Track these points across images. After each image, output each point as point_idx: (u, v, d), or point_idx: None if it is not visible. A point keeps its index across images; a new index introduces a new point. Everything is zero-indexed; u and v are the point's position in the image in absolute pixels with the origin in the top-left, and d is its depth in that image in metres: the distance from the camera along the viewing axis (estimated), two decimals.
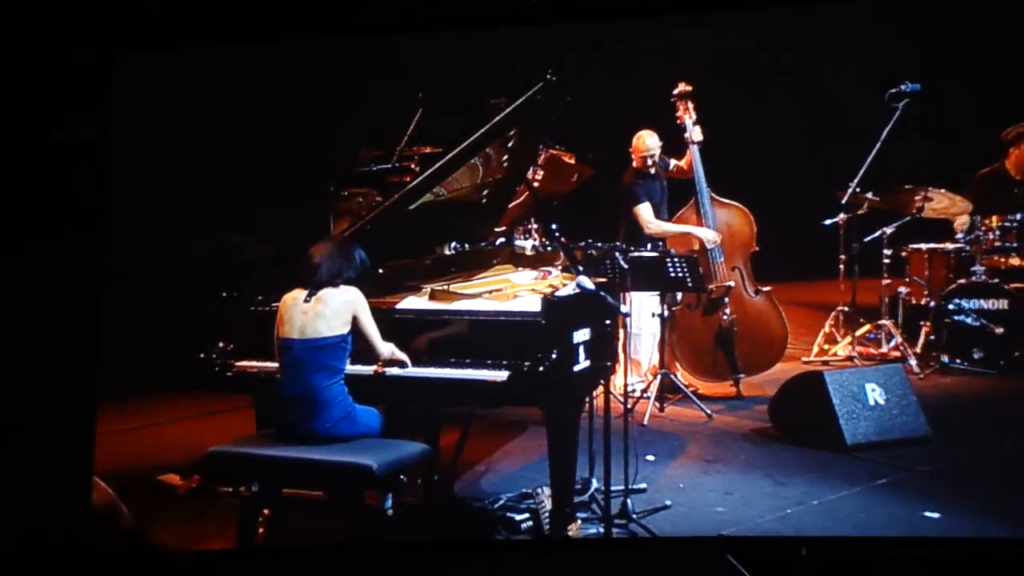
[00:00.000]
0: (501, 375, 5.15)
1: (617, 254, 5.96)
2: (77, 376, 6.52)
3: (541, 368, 5.10)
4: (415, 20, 7.18)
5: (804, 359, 8.76)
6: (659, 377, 7.73)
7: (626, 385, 6.39)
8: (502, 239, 6.94)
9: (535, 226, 8.38)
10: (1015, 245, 8.41)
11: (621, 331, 8.03)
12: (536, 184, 7.80)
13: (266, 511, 5.65)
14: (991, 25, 9.55)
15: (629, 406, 7.62)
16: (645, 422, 7.46)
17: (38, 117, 6.81)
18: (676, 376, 7.91)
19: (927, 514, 5.77)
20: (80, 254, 6.72)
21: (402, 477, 5.05)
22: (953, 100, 8.97)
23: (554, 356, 5.13)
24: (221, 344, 5.62)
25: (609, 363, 5.76)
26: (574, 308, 5.35)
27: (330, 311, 5.13)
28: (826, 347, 8.84)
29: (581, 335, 5.32)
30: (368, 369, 5.33)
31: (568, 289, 5.54)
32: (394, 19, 7.12)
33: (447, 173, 5.90)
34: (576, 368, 5.28)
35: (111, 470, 6.38)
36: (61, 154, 6.77)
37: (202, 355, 5.61)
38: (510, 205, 7.47)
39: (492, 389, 5.19)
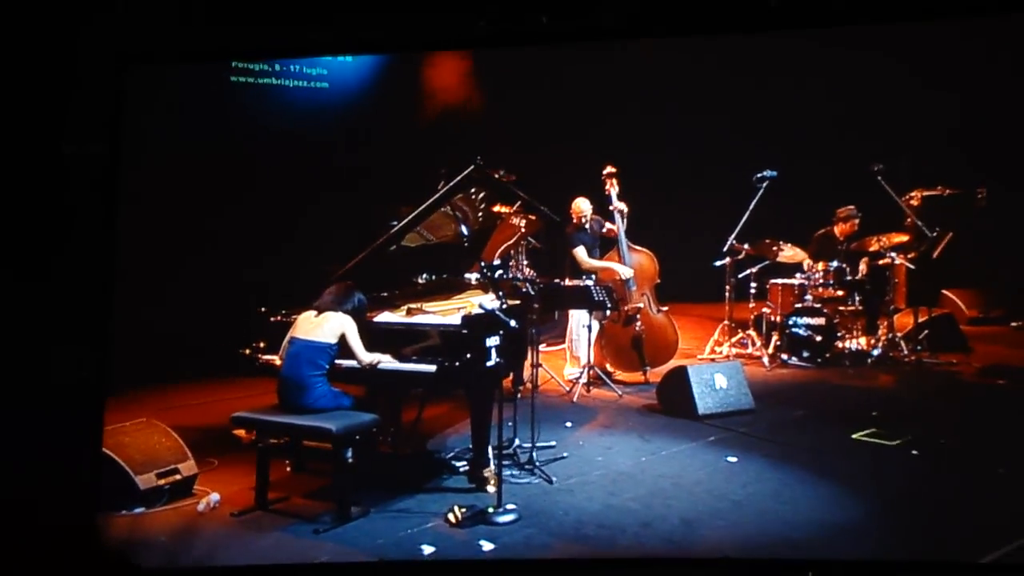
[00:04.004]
0: (431, 368, 5.02)
1: (528, 284, 5.69)
2: (86, 382, 5.07)
3: (458, 363, 4.96)
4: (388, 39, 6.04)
5: (699, 356, 8.44)
6: (587, 369, 7.47)
7: (535, 370, 6.11)
8: (500, 269, 6.59)
9: (526, 261, 8.51)
10: (832, 283, 8.20)
11: (569, 331, 7.93)
12: (523, 230, 7.98)
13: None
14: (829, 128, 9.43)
15: (568, 389, 7.46)
16: (575, 399, 7.20)
17: (48, 131, 5.16)
18: (601, 369, 7.66)
19: (728, 458, 5.62)
20: (89, 266, 5.16)
21: (357, 437, 4.86)
22: (800, 181, 8.63)
23: (468, 356, 4.97)
24: (259, 344, 5.46)
25: (517, 360, 5.53)
26: (486, 322, 5.12)
27: (327, 325, 5.05)
28: (716, 348, 8.53)
29: (492, 341, 5.13)
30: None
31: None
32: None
33: (415, 225, 5.71)
34: (488, 364, 5.11)
35: (201, 426, 6.30)
36: (71, 167, 5.12)
37: (244, 351, 5.48)
38: (503, 245, 7.81)
39: (427, 377, 5.08)
